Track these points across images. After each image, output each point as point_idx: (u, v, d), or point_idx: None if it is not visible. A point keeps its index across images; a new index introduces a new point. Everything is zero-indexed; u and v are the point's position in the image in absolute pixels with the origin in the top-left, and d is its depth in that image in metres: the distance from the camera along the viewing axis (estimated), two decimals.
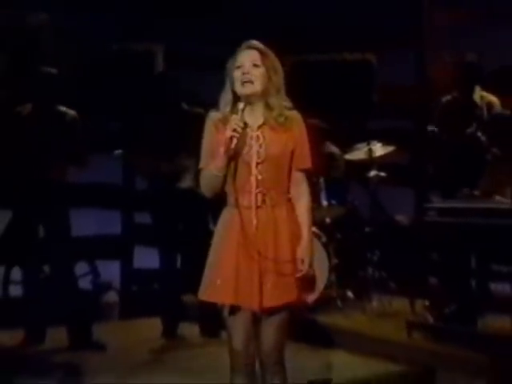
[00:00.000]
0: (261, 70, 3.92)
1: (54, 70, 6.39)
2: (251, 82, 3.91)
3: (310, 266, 3.96)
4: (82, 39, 7.87)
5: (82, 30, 7.82)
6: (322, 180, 7.30)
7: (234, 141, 3.84)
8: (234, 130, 3.84)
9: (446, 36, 8.13)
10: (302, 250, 3.96)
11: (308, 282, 3.98)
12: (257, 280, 3.89)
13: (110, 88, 7.71)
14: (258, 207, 3.95)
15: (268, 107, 3.98)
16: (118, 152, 6.82)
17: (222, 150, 3.87)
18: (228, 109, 3.96)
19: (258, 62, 3.92)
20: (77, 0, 7.65)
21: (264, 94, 3.96)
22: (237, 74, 3.92)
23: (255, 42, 3.97)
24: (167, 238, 6.74)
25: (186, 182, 6.55)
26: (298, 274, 3.92)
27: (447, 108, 7.00)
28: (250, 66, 3.91)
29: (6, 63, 7.20)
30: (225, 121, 3.94)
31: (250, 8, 7.89)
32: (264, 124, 3.98)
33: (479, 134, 6.55)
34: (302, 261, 3.94)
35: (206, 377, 5.45)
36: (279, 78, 3.99)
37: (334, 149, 7.63)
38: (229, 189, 3.98)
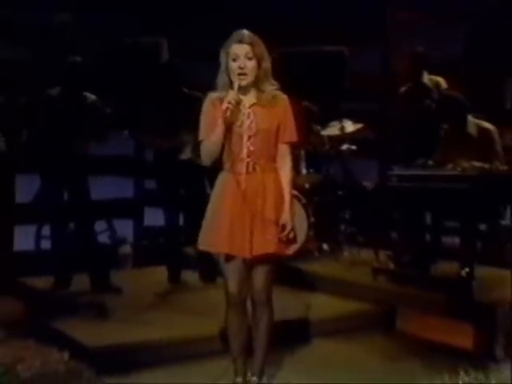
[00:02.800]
0: (253, 62, 3.97)
1: (77, 59, 6.37)
2: (246, 74, 3.97)
3: (292, 228, 4.04)
4: (100, 34, 7.88)
5: (99, 26, 7.84)
6: (302, 152, 7.33)
7: (229, 111, 3.92)
8: (229, 102, 3.92)
9: (406, 34, 8.21)
10: (284, 216, 4.03)
11: (290, 238, 4.06)
12: (248, 233, 3.98)
13: (124, 74, 7.73)
14: (249, 173, 4.02)
15: (259, 90, 4.04)
16: (125, 132, 6.88)
17: (220, 120, 3.95)
18: (225, 91, 4.01)
19: (251, 55, 3.96)
20: (96, 1, 7.69)
21: (256, 81, 4.02)
22: (233, 66, 3.97)
23: (246, 35, 4.00)
24: (171, 201, 6.76)
25: (186, 154, 6.55)
26: (281, 236, 4.01)
27: (405, 95, 7.07)
28: (245, 60, 3.96)
29: (37, 55, 7.22)
30: (221, 100, 4.01)
31: (245, 8, 7.91)
32: (255, 103, 4.04)
33: (432, 112, 6.60)
34: (284, 225, 4.02)
35: (204, 314, 5.48)
36: (267, 64, 4.04)
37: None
38: (225, 157, 4.06)
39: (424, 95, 6.81)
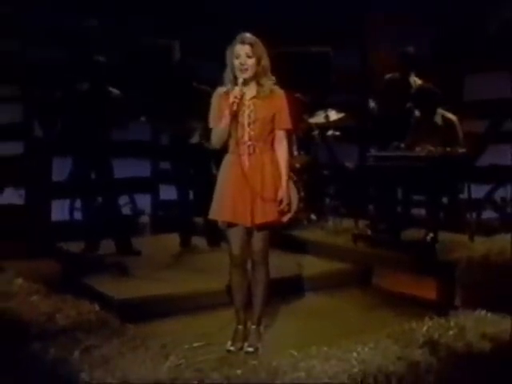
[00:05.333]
0: (253, 60, 4.00)
1: (102, 59, 6.40)
2: (246, 69, 4.01)
3: (287, 204, 4.09)
4: (122, 37, 7.90)
5: (121, 30, 7.86)
6: (293, 137, 7.30)
7: (235, 105, 4.00)
8: (235, 97, 3.99)
9: (382, 36, 8.22)
10: (281, 193, 4.07)
11: (284, 211, 4.12)
12: (249, 205, 4.04)
13: (142, 71, 7.75)
14: (250, 154, 4.07)
15: (259, 84, 4.08)
16: (142, 118, 6.91)
17: (227, 112, 4.02)
18: (230, 85, 4.07)
19: (250, 54, 4.00)
20: (117, 9, 7.70)
21: (256, 76, 4.06)
22: (236, 63, 4.01)
23: (248, 37, 4.04)
24: (182, 179, 6.79)
25: (195, 139, 6.55)
26: (279, 209, 4.06)
27: (388, 83, 7.03)
28: (245, 58, 4.00)
29: (69, 54, 7.23)
30: (227, 93, 4.07)
31: (246, 15, 7.91)
32: (255, 96, 4.09)
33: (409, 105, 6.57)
34: (281, 201, 4.07)
35: (210, 273, 5.51)
36: (266, 62, 4.08)
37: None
38: (231, 141, 4.11)
39: (405, 90, 6.73)
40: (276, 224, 4.18)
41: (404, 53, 6.95)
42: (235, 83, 4.05)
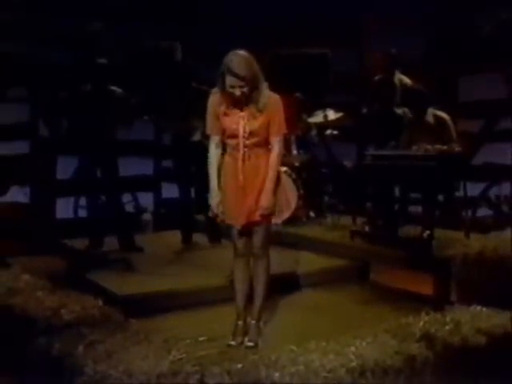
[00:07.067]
0: (246, 88, 3.97)
1: (104, 61, 6.38)
2: (241, 97, 3.99)
3: (267, 208, 4.07)
4: (126, 39, 7.91)
5: (125, 33, 7.86)
6: (293, 137, 7.35)
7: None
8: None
9: (377, 39, 8.23)
10: (264, 200, 4.08)
11: (272, 212, 4.13)
12: (242, 208, 4.09)
13: (145, 72, 7.74)
14: (245, 159, 4.08)
15: (254, 98, 4.04)
16: (145, 117, 6.90)
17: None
18: (224, 106, 4.07)
19: (243, 85, 3.95)
20: (122, 13, 7.70)
21: (250, 93, 4.02)
22: (230, 90, 3.98)
23: (240, 68, 3.94)
24: (184, 177, 6.79)
25: (196, 137, 6.55)
26: (262, 214, 4.08)
27: (377, 84, 7.02)
28: (239, 89, 3.96)
29: (73, 56, 7.21)
30: (223, 103, 4.06)
31: (245, 20, 7.92)
32: (248, 108, 4.06)
33: (398, 103, 6.58)
34: (262, 205, 4.07)
35: (211, 270, 5.50)
36: (259, 77, 4.04)
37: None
38: (227, 147, 4.14)
39: (391, 89, 6.75)
40: (270, 224, 4.19)
41: (387, 54, 6.96)
42: (230, 96, 4.02)
